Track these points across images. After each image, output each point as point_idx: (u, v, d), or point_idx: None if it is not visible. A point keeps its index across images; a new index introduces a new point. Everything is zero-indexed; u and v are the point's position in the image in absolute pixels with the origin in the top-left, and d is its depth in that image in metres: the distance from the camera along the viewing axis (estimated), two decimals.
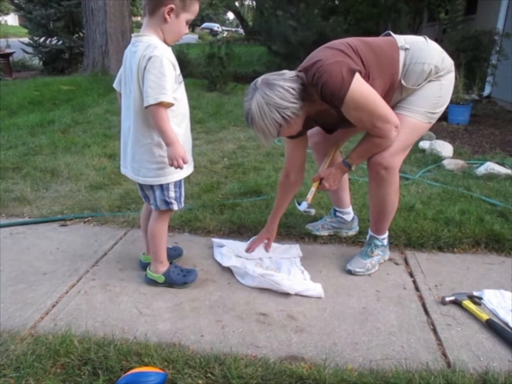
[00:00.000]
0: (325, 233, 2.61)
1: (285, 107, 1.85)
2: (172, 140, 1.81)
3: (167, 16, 1.79)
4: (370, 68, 1.94)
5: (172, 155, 1.82)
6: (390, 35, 2.10)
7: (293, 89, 1.87)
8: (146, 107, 1.78)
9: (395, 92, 2.05)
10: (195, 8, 1.85)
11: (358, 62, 1.91)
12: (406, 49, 2.00)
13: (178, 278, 2.14)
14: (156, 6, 1.78)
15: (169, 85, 1.76)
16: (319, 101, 1.93)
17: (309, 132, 2.37)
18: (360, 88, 1.85)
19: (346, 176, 2.51)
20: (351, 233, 2.61)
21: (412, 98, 2.06)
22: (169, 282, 2.13)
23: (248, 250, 2.41)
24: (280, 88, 1.85)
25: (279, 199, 2.40)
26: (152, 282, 2.14)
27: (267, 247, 2.44)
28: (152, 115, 1.79)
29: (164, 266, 2.14)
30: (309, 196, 2.22)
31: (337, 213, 2.60)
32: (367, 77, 1.93)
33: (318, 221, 2.67)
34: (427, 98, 2.05)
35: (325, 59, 1.87)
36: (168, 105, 1.79)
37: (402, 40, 2.03)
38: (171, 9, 1.78)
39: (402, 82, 2.02)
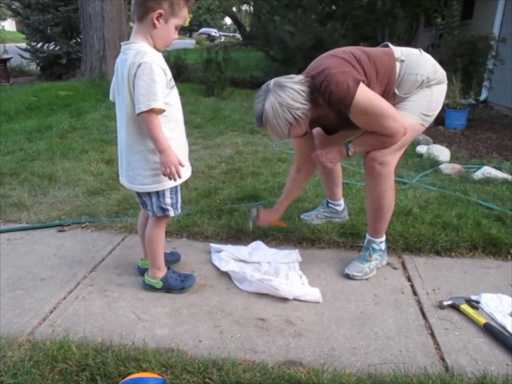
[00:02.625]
0: (319, 222, 2.78)
1: (297, 107, 1.96)
2: (164, 147, 1.81)
3: (156, 22, 1.79)
4: (371, 78, 2.05)
5: (165, 163, 1.82)
6: (388, 46, 2.21)
7: (302, 91, 1.97)
8: (138, 114, 1.78)
9: (389, 101, 2.11)
10: (184, 13, 1.86)
11: (361, 72, 2.02)
12: (402, 61, 2.12)
13: (176, 284, 2.14)
14: (145, 12, 1.78)
15: (159, 91, 1.76)
16: (323, 105, 2.03)
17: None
18: (365, 93, 1.95)
19: (340, 174, 2.74)
20: (342, 220, 2.79)
21: (406, 101, 2.16)
22: (167, 288, 2.13)
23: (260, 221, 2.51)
24: (291, 90, 1.96)
25: (289, 190, 2.53)
26: (150, 288, 2.14)
27: (263, 222, 2.52)
28: (144, 122, 1.80)
29: (162, 272, 2.14)
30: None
31: (330, 204, 2.82)
32: (367, 86, 2.00)
33: (312, 211, 2.87)
34: (420, 101, 2.15)
35: (331, 68, 1.97)
36: (160, 111, 1.80)
37: (398, 52, 2.15)
38: (160, 15, 1.78)
39: (395, 91, 2.14)
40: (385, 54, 2.14)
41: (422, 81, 2.11)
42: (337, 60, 2.04)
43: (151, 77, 1.75)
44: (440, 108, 2.22)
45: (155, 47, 1.85)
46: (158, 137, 1.80)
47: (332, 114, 2.09)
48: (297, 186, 2.54)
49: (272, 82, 2.01)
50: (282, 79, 2.01)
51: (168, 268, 2.18)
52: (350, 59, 2.03)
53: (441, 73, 2.18)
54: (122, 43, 1.88)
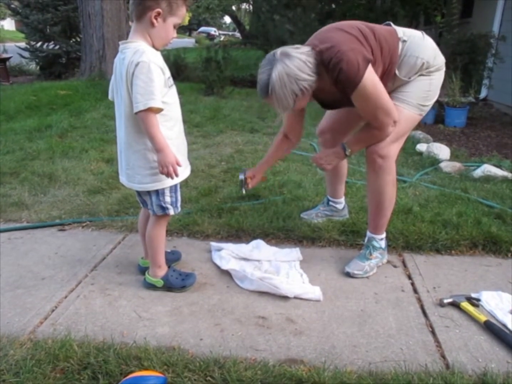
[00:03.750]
0: (319, 220, 2.76)
1: (303, 79, 1.92)
2: (162, 146, 1.81)
3: (154, 21, 1.79)
4: (376, 56, 2.02)
5: (162, 162, 1.83)
6: (390, 25, 2.19)
7: (310, 62, 1.93)
8: (136, 113, 1.78)
9: (389, 81, 2.12)
10: (182, 11, 1.86)
11: (368, 50, 1.98)
12: (404, 41, 2.10)
13: (176, 282, 2.14)
14: (143, 11, 1.78)
15: (157, 90, 1.77)
16: (326, 80, 2.00)
17: (319, 130, 2.56)
18: (371, 78, 1.94)
19: (345, 171, 2.76)
20: (342, 219, 2.79)
21: (404, 90, 2.16)
22: (168, 286, 2.13)
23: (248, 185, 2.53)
24: (299, 60, 1.91)
25: (273, 151, 2.55)
26: (151, 286, 2.14)
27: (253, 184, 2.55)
28: (142, 121, 1.80)
29: (162, 270, 2.14)
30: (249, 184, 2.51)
31: (330, 202, 2.81)
32: (373, 64, 1.99)
33: (311, 209, 2.86)
34: (418, 91, 2.15)
35: (341, 44, 1.93)
36: (158, 110, 1.80)
37: (401, 32, 2.13)
38: (158, 14, 1.78)
39: (396, 71, 2.12)
40: (389, 33, 2.10)
41: (421, 65, 2.09)
42: (346, 36, 1.98)
43: (149, 76, 1.75)
44: (436, 97, 2.23)
45: (153, 46, 1.85)
46: (156, 136, 1.80)
47: (334, 89, 2.04)
48: (280, 152, 2.56)
49: (279, 51, 1.94)
50: (289, 49, 1.94)
51: (169, 267, 2.18)
52: (358, 36, 1.98)
53: (441, 59, 2.16)
54: (120, 42, 1.88)
